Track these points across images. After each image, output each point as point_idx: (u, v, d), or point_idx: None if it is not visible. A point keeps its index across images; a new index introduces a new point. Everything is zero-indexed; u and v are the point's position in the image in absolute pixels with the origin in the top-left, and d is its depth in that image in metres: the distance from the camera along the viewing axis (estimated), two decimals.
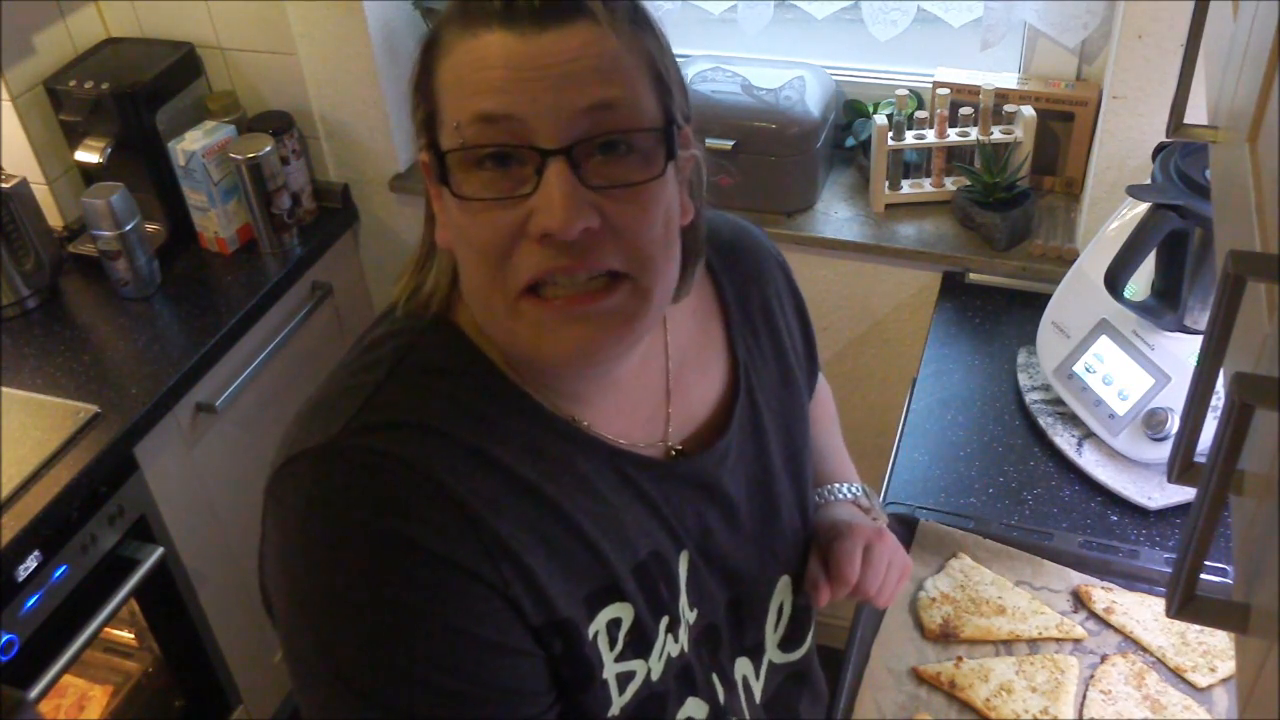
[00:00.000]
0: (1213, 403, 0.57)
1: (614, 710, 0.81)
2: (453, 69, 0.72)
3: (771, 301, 0.98)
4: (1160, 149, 1.41)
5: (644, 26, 0.74)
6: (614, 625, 0.80)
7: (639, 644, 0.82)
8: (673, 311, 0.89)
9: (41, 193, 1.96)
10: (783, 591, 0.97)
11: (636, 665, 0.82)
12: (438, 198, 0.77)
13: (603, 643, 0.80)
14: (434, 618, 0.71)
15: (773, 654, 0.98)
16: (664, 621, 0.84)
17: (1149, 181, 1.37)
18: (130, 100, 1.89)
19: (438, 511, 0.72)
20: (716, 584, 0.90)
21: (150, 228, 1.96)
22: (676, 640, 0.86)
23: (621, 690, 0.81)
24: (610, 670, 0.80)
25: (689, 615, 0.88)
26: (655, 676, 0.84)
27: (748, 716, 0.95)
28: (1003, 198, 1.78)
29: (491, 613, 0.73)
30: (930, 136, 1.83)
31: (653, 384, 0.88)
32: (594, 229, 0.70)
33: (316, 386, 0.81)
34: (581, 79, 0.69)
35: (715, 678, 0.91)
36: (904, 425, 1.55)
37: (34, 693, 1.53)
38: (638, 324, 0.75)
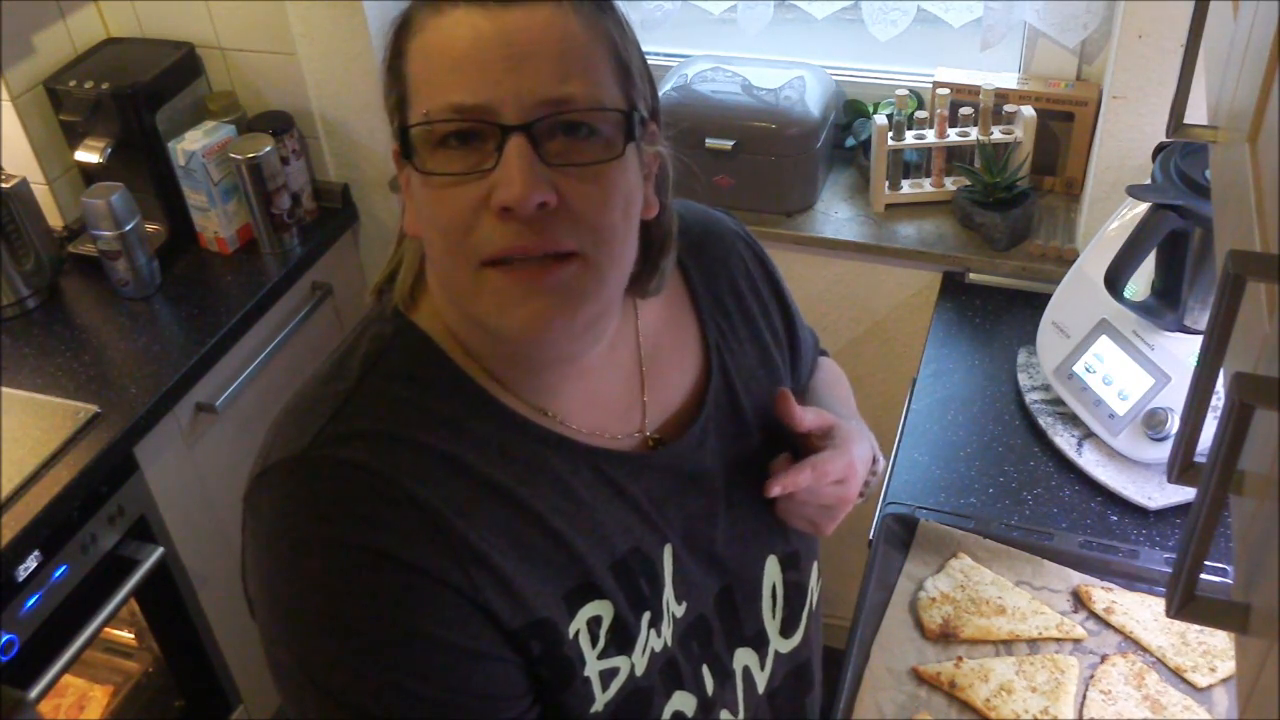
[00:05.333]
0: (1213, 403, 0.57)
1: (597, 706, 0.81)
2: (421, 49, 0.73)
3: (741, 283, 0.98)
4: (1160, 149, 1.41)
5: (606, 10, 0.76)
6: (595, 623, 0.81)
7: (621, 640, 0.83)
8: (643, 303, 0.89)
9: (41, 193, 1.96)
10: (773, 573, 0.97)
11: (619, 661, 0.83)
12: (406, 184, 0.78)
13: (584, 641, 0.80)
14: (405, 626, 0.72)
15: (778, 643, 0.98)
16: (645, 617, 0.84)
17: (1149, 181, 1.36)
18: (130, 100, 1.89)
19: (407, 520, 0.73)
20: (704, 574, 0.90)
21: (150, 228, 1.96)
22: (660, 635, 0.86)
23: (605, 687, 0.82)
24: (593, 668, 0.81)
25: (676, 609, 0.88)
26: (639, 672, 0.84)
27: (742, 707, 0.95)
28: (1003, 198, 1.78)
29: (463, 619, 0.74)
30: (930, 136, 1.83)
31: (626, 374, 0.89)
32: (552, 205, 0.71)
33: (290, 395, 0.82)
34: (543, 63, 0.70)
35: (705, 670, 0.91)
36: (904, 425, 1.55)
37: (34, 693, 1.53)
38: (589, 302, 0.76)
